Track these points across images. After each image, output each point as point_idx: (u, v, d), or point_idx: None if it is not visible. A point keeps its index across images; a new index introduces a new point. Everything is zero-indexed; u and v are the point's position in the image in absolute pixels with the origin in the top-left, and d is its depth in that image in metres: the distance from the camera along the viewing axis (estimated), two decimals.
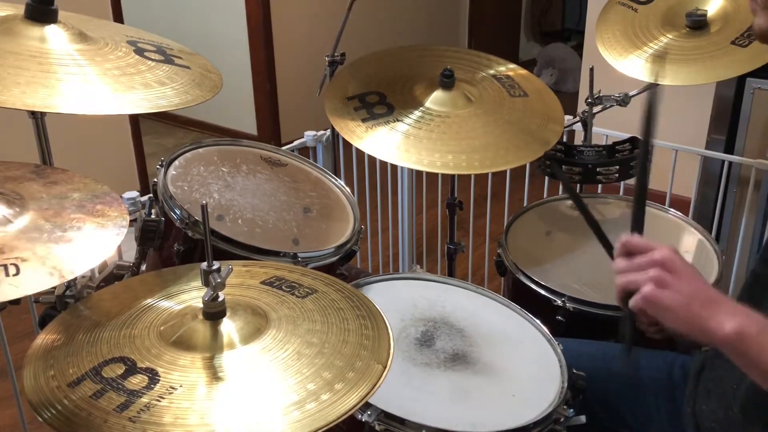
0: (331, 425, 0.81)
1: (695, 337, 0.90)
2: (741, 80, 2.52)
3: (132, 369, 0.87)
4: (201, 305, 0.94)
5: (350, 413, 0.83)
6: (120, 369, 0.87)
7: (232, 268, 0.94)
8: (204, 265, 0.92)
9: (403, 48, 1.84)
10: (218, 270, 0.92)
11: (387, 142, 1.52)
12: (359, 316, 1.00)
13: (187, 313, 0.96)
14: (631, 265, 0.96)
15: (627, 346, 1.02)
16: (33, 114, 1.28)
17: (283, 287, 1.06)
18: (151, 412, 0.81)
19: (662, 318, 0.93)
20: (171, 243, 1.43)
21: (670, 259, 0.94)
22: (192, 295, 1.03)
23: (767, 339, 0.87)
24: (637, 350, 1.18)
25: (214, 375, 0.87)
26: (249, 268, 1.12)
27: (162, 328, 0.95)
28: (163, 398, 0.83)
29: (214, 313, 0.93)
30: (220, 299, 0.93)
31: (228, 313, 0.94)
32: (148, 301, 1.02)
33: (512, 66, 1.79)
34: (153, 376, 0.86)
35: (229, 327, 0.93)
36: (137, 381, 0.85)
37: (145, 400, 0.83)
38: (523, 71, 1.78)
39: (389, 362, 0.92)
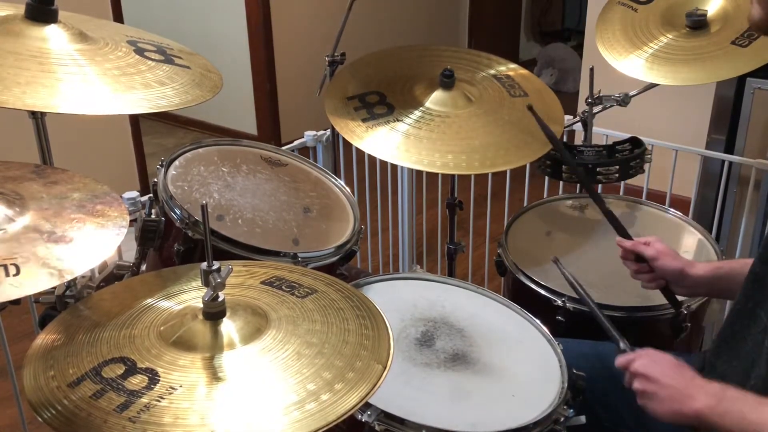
0: (331, 425, 0.81)
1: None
2: (741, 80, 2.52)
3: (132, 369, 0.87)
4: (201, 305, 0.94)
5: (350, 413, 0.83)
6: (120, 369, 0.87)
7: (231, 268, 0.94)
8: (204, 265, 0.92)
9: (403, 48, 1.84)
10: (218, 270, 0.92)
11: (387, 142, 1.52)
12: (359, 316, 1.00)
13: (187, 313, 0.96)
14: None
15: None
16: (33, 114, 1.28)
17: (283, 287, 1.06)
18: (151, 412, 0.81)
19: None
20: (171, 243, 1.43)
21: (648, 373, 1.12)
22: (192, 295, 1.03)
23: (727, 414, 1.02)
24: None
25: (214, 375, 0.87)
26: (249, 268, 1.12)
27: (162, 328, 0.95)
28: (163, 398, 0.83)
29: (214, 313, 0.93)
30: (220, 299, 0.93)
31: (228, 313, 0.94)
32: (148, 301, 1.02)
33: (512, 66, 1.79)
34: (153, 377, 0.86)
35: (229, 327, 0.93)
36: (137, 381, 0.85)
37: (145, 400, 0.83)
38: (523, 71, 1.78)
39: (389, 362, 0.92)
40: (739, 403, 1.02)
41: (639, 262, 1.39)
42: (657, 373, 1.11)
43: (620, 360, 1.17)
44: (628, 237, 1.43)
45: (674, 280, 1.36)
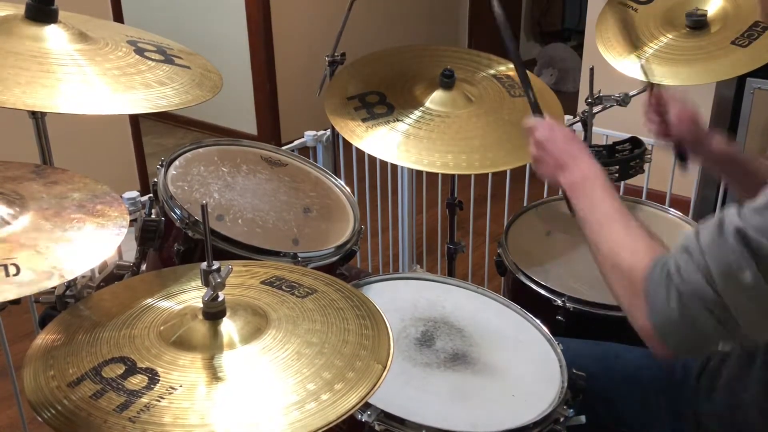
0: (330, 425, 0.81)
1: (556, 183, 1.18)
2: (741, 80, 2.52)
3: (132, 369, 0.87)
4: (201, 305, 0.94)
5: (350, 413, 0.83)
6: (120, 369, 0.87)
7: (231, 268, 0.94)
8: (204, 265, 0.92)
9: (403, 48, 1.84)
10: (218, 270, 0.92)
11: (387, 141, 1.52)
12: (359, 315, 1.00)
13: (187, 313, 0.96)
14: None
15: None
16: (33, 114, 1.28)
17: (283, 287, 1.06)
18: (151, 412, 0.81)
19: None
20: (171, 243, 1.43)
21: (541, 139, 1.23)
22: (192, 295, 1.03)
23: (583, 196, 1.11)
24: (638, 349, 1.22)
25: (214, 375, 0.87)
26: (249, 268, 1.12)
27: (162, 328, 0.95)
28: (163, 398, 0.83)
29: (214, 313, 0.93)
30: (220, 299, 0.93)
31: (228, 313, 0.94)
32: (148, 301, 1.02)
33: (512, 66, 1.79)
34: (153, 376, 0.86)
35: (229, 327, 0.93)
36: (137, 381, 0.85)
37: (144, 400, 0.82)
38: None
39: (389, 362, 0.92)
40: (597, 190, 1.10)
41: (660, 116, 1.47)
42: (549, 141, 1.21)
43: (528, 122, 1.26)
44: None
45: (688, 135, 1.44)
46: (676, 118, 1.44)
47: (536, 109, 1.30)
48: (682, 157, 1.48)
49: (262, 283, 1.07)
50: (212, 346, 0.91)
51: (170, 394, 0.83)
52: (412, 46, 1.85)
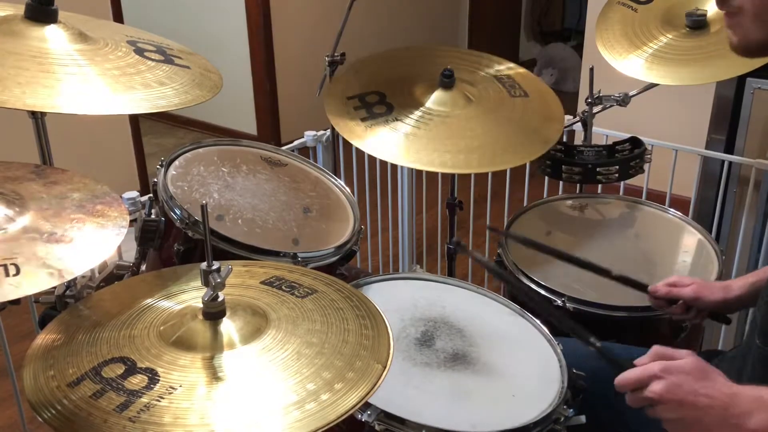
0: (330, 425, 0.81)
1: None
2: (741, 80, 2.51)
3: (132, 369, 0.87)
4: (201, 305, 0.94)
5: (350, 413, 0.83)
6: (120, 369, 0.87)
7: (231, 268, 0.94)
8: (204, 265, 0.92)
9: (402, 49, 1.84)
10: (218, 270, 0.92)
11: (387, 141, 1.52)
12: (359, 315, 1.00)
13: (187, 313, 0.96)
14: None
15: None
16: (33, 114, 1.28)
17: (282, 287, 1.06)
18: (151, 412, 0.81)
19: None
20: (171, 243, 1.43)
21: (674, 394, 0.94)
22: (192, 295, 1.03)
23: None
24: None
25: (214, 375, 0.87)
26: (249, 268, 1.12)
27: (162, 328, 0.95)
28: (163, 398, 0.83)
29: (213, 313, 0.93)
30: (219, 299, 0.93)
31: (228, 313, 0.94)
32: (148, 301, 1.02)
33: (512, 65, 1.79)
34: (153, 376, 0.86)
35: (228, 327, 0.93)
36: (137, 381, 0.85)
37: (144, 400, 0.83)
38: (523, 71, 1.78)
39: (389, 362, 0.92)
40: None
41: (672, 303, 1.37)
42: (690, 393, 0.93)
43: (626, 379, 0.98)
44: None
45: (717, 309, 1.36)
46: (693, 295, 1.34)
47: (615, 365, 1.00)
48: (721, 318, 1.42)
49: (262, 283, 1.07)
50: (212, 346, 0.91)
51: (170, 394, 0.83)
52: (411, 47, 1.85)
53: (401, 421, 1.06)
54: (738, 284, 1.35)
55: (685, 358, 0.97)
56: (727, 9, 1.01)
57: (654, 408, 0.96)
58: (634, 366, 0.98)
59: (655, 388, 0.94)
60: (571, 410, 1.14)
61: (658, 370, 0.95)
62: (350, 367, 0.89)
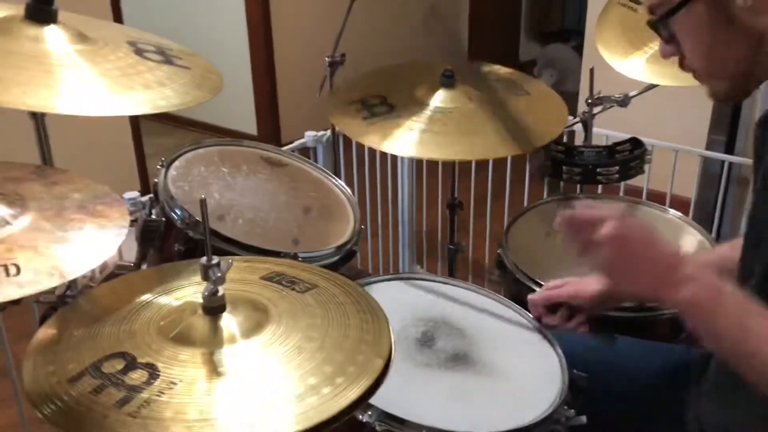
0: (333, 420, 0.81)
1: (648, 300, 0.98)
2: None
3: (132, 364, 0.87)
4: (201, 300, 0.94)
5: (353, 408, 0.83)
6: (120, 364, 0.87)
7: (232, 262, 0.95)
8: (204, 259, 0.92)
9: (404, 65, 1.85)
10: (218, 264, 0.92)
11: (388, 135, 1.53)
12: (359, 310, 1.00)
13: (187, 309, 0.96)
14: (581, 243, 1.02)
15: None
16: (33, 114, 1.29)
17: (283, 282, 1.06)
18: (152, 407, 0.81)
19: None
20: (171, 243, 1.43)
21: (616, 241, 0.98)
22: (191, 291, 1.03)
23: (720, 309, 0.93)
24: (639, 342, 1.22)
25: (215, 370, 0.87)
26: (249, 264, 1.12)
27: (162, 323, 0.95)
28: (164, 393, 0.83)
29: (214, 308, 0.93)
30: (219, 294, 0.93)
31: (228, 308, 0.94)
32: (148, 296, 1.02)
33: (516, 72, 1.80)
34: (153, 372, 0.86)
35: (229, 322, 0.93)
36: (137, 376, 0.85)
37: (145, 395, 0.82)
38: (525, 75, 1.80)
39: (391, 357, 0.92)
40: (738, 306, 0.92)
41: (554, 311, 1.32)
42: (640, 242, 0.98)
43: (592, 210, 1.02)
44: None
45: (599, 302, 1.30)
46: (571, 293, 1.30)
47: None
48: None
49: (262, 278, 1.07)
50: (212, 341, 0.91)
51: (171, 389, 0.83)
52: (413, 61, 1.86)
53: (401, 421, 1.06)
54: None
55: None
56: (686, 70, 1.05)
57: (595, 249, 0.99)
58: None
59: (603, 231, 0.98)
60: (572, 410, 1.14)
61: (609, 215, 0.99)
62: (351, 361, 0.89)
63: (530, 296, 1.36)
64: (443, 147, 1.54)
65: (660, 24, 1.01)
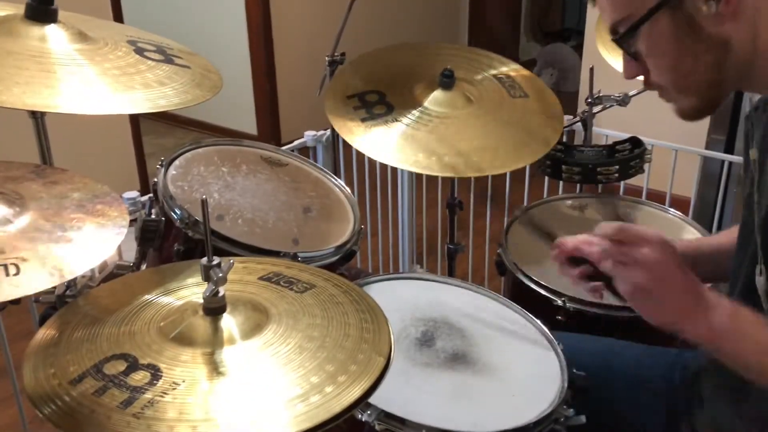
0: (335, 420, 0.81)
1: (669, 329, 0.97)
2: None
3: (134, 365, 0.87)
4: (201, 301, 0.94)
5: (356, 405, 0.83)
6: (122, 366, 0.87)
7: (233, 262, 0.95)
8: (204, 260, 0.92)
9: (403, 46, 1.83)
10: (218, 265, 0.92)
11: (386, 142, 1.52)
12: (359, 310, 1.00)
13: (187, 309, 0.96)
14: (619, 255, 1.01)
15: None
16: (33, 114, 1.29)
17: (281, 282, 1.06)
18: (155, 408, 0.81)
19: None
20: (171, 243, 1.43)
21: (657, 265, 0.97)
22: (191, 291, 1.03)
23: (740, 337, 0.94)
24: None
25: (218, 370, 0.87)
26: (246, 265, 1.12)
27: (162, 324, 0.95)
28: (167, 394, 0.83)
29: (214, 308, 0.93)
30: (220, 294, 0.93)
31: (228, 309, 0.94)
32: (147, 297, 1.02)
33: (513, 66, 1.79)
34: (155, 372, 0.86)
35: (229, 322, 0.93)
36: (140, 377, 0.85)
37: (148, 396, 0.83)
38: (525, 71, 1.78)
39: (391, 354, 0.92)
40: (758, 328, 0.93)
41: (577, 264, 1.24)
42: (668, 274, 0.97)
43: (629, 231, 1.00)
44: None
45: None
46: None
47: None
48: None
49: (260, 279, 1.07)
50: (214, 342, 0.91)
51: (173, 389, 0.83)
52: (412, 44, 1.85)
53: (401, 421, 1.06)
54: None
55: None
56: (652, 89, 1.03)
57: (622, 269, 0.99)
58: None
59: (645, 251, 0.97)
60: (572, 410, 1.14)
61: (653, 237, 0.98)
62: (353, 360, 0.89)
63: (562, 239, 1.25)
64: (442, 161, 1.50)
65: (624, 41, 0.99)
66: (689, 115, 1.02)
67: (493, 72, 1.74)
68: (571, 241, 1.22)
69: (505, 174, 2.46)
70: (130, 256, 1.49)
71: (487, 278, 2.74)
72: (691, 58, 0.96)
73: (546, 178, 2.30)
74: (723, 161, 2.27)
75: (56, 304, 1.24)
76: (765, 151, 1.02)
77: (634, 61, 1.00)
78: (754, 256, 1.01)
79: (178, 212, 1.40)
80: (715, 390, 1.17)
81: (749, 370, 0.95)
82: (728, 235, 1.24)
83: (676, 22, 0.93)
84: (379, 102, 1.60)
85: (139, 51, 1.22)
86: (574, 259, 1.21)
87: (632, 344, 1.35)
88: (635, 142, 1.82)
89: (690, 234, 1.74)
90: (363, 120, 1.56)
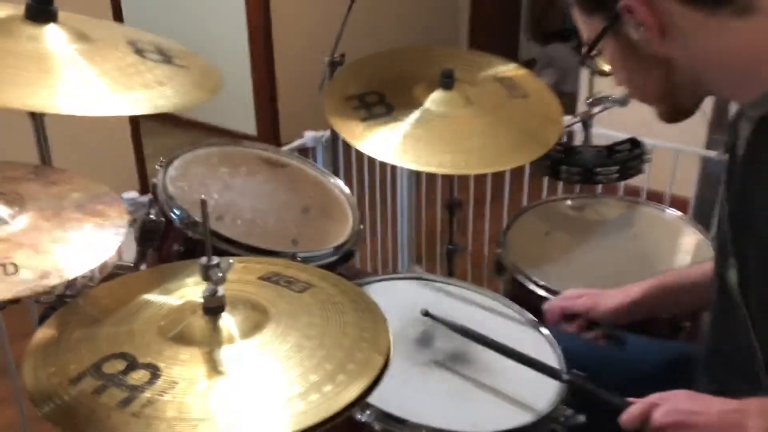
0: (334, 420, 0.81)
1: None
2: None
3: (133, 365, 0.87)
4: (200, 300, 0.94)
5: (355, 404, 0.83)
6: (121, 365, 0.87)
7: (233, 263, 0.95)
8: (204, 260, 0.92)
9: (403, 48, 1.84)
10: (218, 265, 0.93)
11: (386, 142, 1.52)
12: (357, 309, 1.00)
13: (186, 309, 0.96)
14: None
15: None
16: (32, 114, 1.29)
17: (280, 282, 1.06)
18: (155, 407, 0.81)
19: None
20: (170, 244, 1.43)
21: (673, 417, 0.99)
22: (190, 291, 1.03)
23: None
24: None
25: (217, 369, 0.87)
26: (245, 265, 1.12)
27: (161, 323, 0.95)
28: (166, 393, 0.83)
29: (213, 308, 0.93)
30: (219, 294, 0.93)
31: (227, 308, 0.94)
32: (146, 297, 1.02)
33: (513, 66, 1.79)
34: (154, 372, 0.86)
35: (228, 321, 0.93)
36: (139, 377, 0.85)
37: (147, 395, 0.83)
38: (523, 71, 1.78)
39: (390, 354, 0.92)
40: None
41: (570, 319, 1.33)
42: (687, 413, 0.99)
43: (629, 416, 1.04)
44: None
45: (615, 317, 1.31)
46: (589, 305, 1.31)
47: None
48: (618, 340, 1.32)
49: (259, 278, 1.07)
50: (213, 341, 0.91)
51: (173, 388, 0.83)
52: (411, 47, 1.85)
53: (401, 421, 1.06)
54: (636, 289, 1.31)
55: (679, 390, 1.04)
56: (632, 97, 1.11)
57: None
58: (627, 403, 1.05)
59: (656, 414, 1.00)
60: (571, 410, 1.14)
61: (656, 398, 1.03)
62: (351, 358, 0.90)
63: (546, 305, 1.37)
64: (442, 159, 1.51)
65: (589, 59, 1.07)
66: (666, 118, 1.09)
67: (493, 72, 1.75)
68: (554, 305, 1.35)
69: (505, 174, 2.46)
70: (130, 256, 1.49)
71: (487, 278, 2.74)
72: (641, 74, 1.03)
73: (545, 178, 2.30)
74: (722, 161, 2.26)
75: (56, 304, 1.24)
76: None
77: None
78: (723, 250, 1.04)
79: (177, 213, 1.40)
80: (718, 385, 1.17)
81: None
82: (698, 269, 1.30)
83: (620, 45, 1.00)
84: (378, 103, 1.60)
85: (139, 51, 1.22)
86: (567, 316, 1.32)
87: (632, 340, 1.34)
88: (635, 143, 1.82)
89: (690, 234, 1.74)
90: (363, 120, 1.56)
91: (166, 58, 1.25)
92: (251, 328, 0.93)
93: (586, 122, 1.92)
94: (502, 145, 1.58)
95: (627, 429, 1.04)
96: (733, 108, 1.09)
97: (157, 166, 1.52)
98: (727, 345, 1.11)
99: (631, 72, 1.04)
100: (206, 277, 0.93)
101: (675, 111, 1.08)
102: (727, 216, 1.04)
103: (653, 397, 1.03)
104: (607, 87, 1.90)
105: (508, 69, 1.77)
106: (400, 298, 1.39)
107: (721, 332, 1.13)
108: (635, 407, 1.04)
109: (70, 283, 1.23)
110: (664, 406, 1.01)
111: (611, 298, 1.31)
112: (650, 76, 1.02)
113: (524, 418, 1.11)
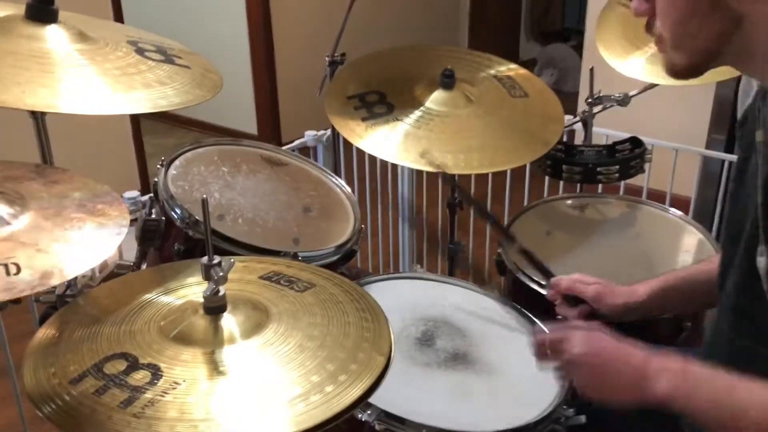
0: (335, 420, 0.81)
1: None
2: (741, 80, 2.52)
3: (134, 365, 0.87)
4: (201, 300, 0.94)
5: (357, 404, 0.83)
6: (122, 365, 0.87)
7: (234, 262, 0.95)
8: (205, 259, 0.92)
9: (403, 48, 1.84)
10: (219, 264, 0.92)
11: (387, 141, 1.52)
12: (359, 309, 1.00)
13: (188, 308, 0.96)
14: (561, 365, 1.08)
15: None
16: (33, 114, 1.29)
17: (281, 282, 1.06)
18: (156, 407, 0.81)
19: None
20: (171, 243, 1.43)
21: (586, 357, 1.03)
22: (191, 291, 1.03)
23: (696, 397, 0.96)
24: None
25: (218, 369, 0.87)
26: (246, 264, 1.12)
27: (162, 323, 0.95)
28: (167, 393, 0.83)
29: (215, 307, 0.93)
30: (220, 294, 0.93)
31: (228, 308, 0.94)
32: (147, 296, 1.02)
33: (513, 66, 1.79)
34: (156, 372, 0.86)
35: (230, 322, 0.93)
36: (140, 377, 0.85)
37: (149, 395, 0.83)
38: (523, 71, 1.79)
39: (392, 354, 0.92)
40: (707, 384, 0.95)
41: (573, 304, 1.33)
42: (600, 356, 1.02)
43: (540, 338, 1.07)
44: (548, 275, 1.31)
45: (618, 314, 1.30)
46: (595, 295, 1.30)
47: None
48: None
49: (261, 278, 1.07)
50: (214, 341, 0.91)
51: (174, 389, 0.83)
52: (412, 46, 1.85)
53: (401, 420, 1.06)
54: (642, 289, 1.30)
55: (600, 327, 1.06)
56: (653, 36, 1.02)
57: (566, 367, 1.06)
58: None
59: (578, 342, 1.03)
60: (572, 410, 1.14)
61: (579, 329, 1.06)
62: (353, 359, 0.90)
63: (555, 279, 1.35)
64: (443, 158, 1.50)
65: None
66: (676, 72, 1.01)
67: (493, 72, 1.75)
68: (565, 280, 1.33)
69: (505, 174, 2.46)
70: (131, 255, 1.49)
71: (487, 278, 2.74)
72: (700, 22, 0.94)
73: (546, 178, 2.30)
74: (723, 161, 2.26)
75: (56, 303, 1.24)
76: None
77: (646, 0, 1.00)
78: (752, 240, 1.01)
79: (178, 212, 1.40)
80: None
81: (709, 426, 0.97)
82: (700, 267, 1.29)
83: None
84: (379, 102, 1.60)
85: (140, 51, 1.22)
86: (570, 297, 1.31)
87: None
88: (635, 142, 1.82)
89: (691, 233, 1.74)
90: (364, 119, 1.56)
91: (166, 57, 1.25)
92: (252, 328, 0.93)
93: (587, 122, 1.92)
94: (502, 144, 1.58)
95: (536, 346, 1.09)
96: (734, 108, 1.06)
97: (158, 166, 1.52)
98: (751, 339, 1.10)
99: (691, 15, 0.94)
100: (207, 277, 0.93)
101: (697, 69, 0.99)
102: (761, 204, 0.96)
103: (578, 324, 1.06)
104: (608, 87, 1.91)
105: (508, 69, 1.77)
106: (401, 298, 1.39)
107: (744, 325, 1.11)
108: (554, 331, 1.07)
109: (71, 283, 1.23)
110: (575, 341, 1.03)
111: (617, 296, 1.31)
112: (708, 27, 0.93)
113: (525, 418, 1.11)
